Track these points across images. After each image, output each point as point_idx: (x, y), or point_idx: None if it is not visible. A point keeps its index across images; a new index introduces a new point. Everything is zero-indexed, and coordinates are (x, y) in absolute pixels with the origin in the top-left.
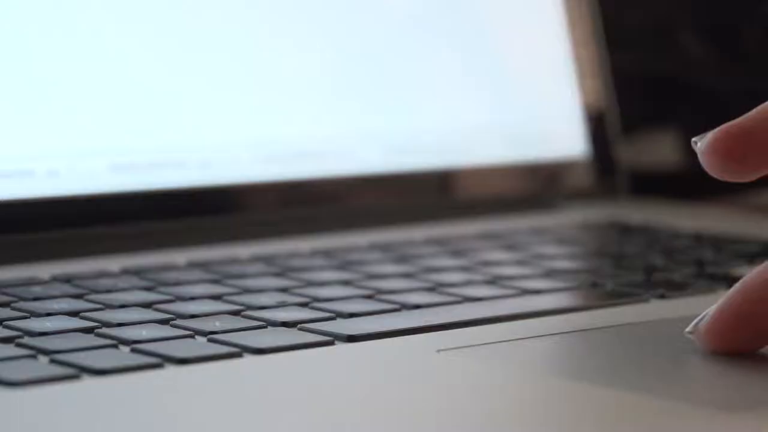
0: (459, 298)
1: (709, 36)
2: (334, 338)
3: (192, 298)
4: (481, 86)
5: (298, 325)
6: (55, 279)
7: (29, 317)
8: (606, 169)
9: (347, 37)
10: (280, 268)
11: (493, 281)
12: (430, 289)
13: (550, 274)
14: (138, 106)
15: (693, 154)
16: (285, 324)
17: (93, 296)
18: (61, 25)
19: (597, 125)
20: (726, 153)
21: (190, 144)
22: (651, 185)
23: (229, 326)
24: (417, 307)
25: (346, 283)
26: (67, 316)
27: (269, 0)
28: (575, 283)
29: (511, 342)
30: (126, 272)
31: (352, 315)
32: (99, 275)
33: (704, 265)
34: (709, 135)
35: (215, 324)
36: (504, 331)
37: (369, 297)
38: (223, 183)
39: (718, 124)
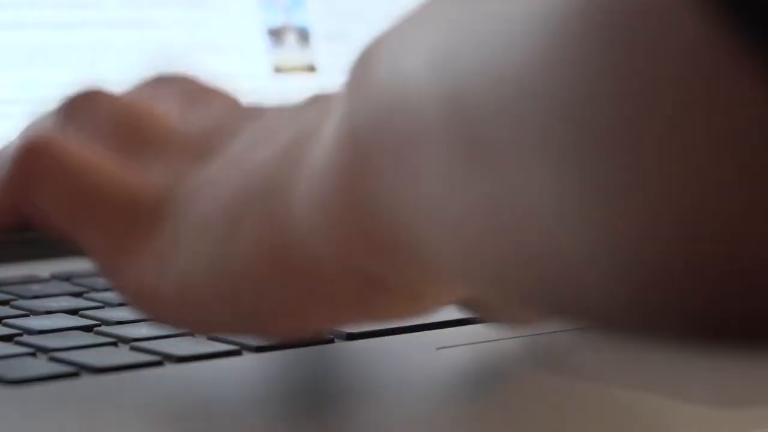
0: None
1: None
2: (333, 336)
3: None
4: None
5: None
6: (55, 277)
7: (29, 315)
8: None
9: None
10: None
11: None
12: None
13: None
14: None
15: None
16: None
17: (92, 294)
18: (61, 26)
19: None
20: None
21: None
22: None
23: None
24: None
25: None
26: (66, 314)
27: None
28: None
29: (511, 340)
30: None
31: None
32: (98, 273)
33: None
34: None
35: None
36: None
37: None
38: None
39: None
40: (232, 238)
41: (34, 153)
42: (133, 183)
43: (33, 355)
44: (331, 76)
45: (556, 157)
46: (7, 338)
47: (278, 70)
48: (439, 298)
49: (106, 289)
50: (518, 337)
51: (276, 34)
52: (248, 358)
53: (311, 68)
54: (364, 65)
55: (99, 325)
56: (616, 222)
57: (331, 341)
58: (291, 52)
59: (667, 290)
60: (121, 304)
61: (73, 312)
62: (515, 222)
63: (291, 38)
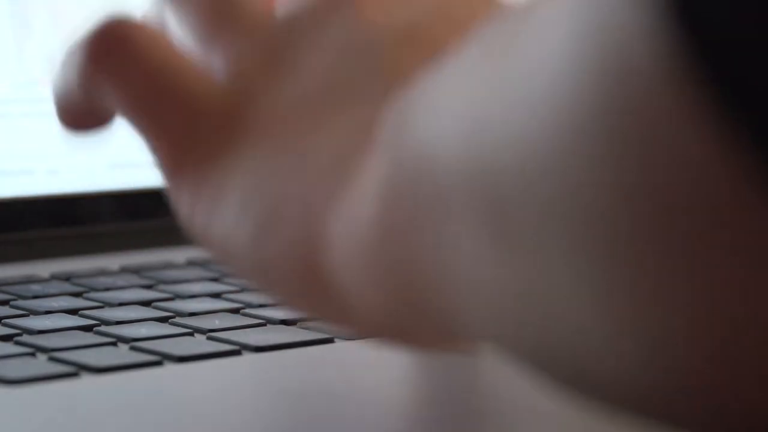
0: None
1: None
2: (333, 336)
3: (191, 296)
4: None
5: (298, 323)
6: (55, 277)
7: (28, 315)
8: None
9: None
10: None
11: None
12: None
13: None
14: None
15: None
16: (284, 322)
17: (92, 294)
18: (60, 24)
19: None
20: None
21: None
22: None
23: (228, 324)
24: None
25: None
26: (66, 314)
27: None
28: None
29: None
30: (125, 270)
31: None
32: (98, 273)
33: None
34: None
35: (215, 322)
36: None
37: None
38: None
39: None
40: (274, 220)
41: (114, 36)
42: (205, 90)
43: (33, 355)
44: None
45: (578, 251)
46: (7, 338)
47: None
48: (457, 347)
49: (106, 289)
50: None
51: None
52: (248, 358)
53: None
54: (401, 120)
55: (99, 325)
56: (639, 324)
57: (331, 341)
58: None
59: (692, 390)
60: (121, 304)
61: (73, 312)
62: (544, 307)
63: None
